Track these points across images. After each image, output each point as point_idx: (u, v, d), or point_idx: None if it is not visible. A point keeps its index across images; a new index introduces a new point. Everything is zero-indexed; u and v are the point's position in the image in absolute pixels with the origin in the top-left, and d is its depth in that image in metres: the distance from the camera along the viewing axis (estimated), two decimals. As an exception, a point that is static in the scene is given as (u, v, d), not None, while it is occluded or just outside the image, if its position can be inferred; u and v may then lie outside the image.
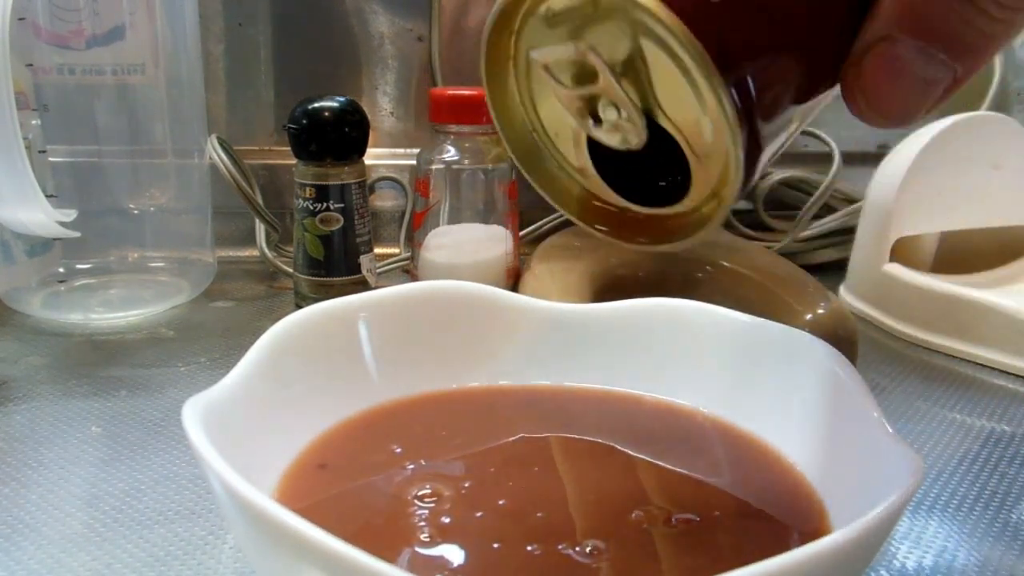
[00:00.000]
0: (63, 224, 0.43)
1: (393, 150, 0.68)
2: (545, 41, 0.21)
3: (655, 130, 0.21)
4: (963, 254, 0.56)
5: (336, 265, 0.50)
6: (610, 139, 0.22)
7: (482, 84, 0.23)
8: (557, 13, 0.20)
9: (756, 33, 0.19)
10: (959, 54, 0.18)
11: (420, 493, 0.25)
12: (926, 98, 0.19)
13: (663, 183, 0.22)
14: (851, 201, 0.64)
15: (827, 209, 0.65)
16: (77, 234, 0.44)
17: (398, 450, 0.28)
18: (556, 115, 0.23)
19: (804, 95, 0.20)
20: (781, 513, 0.25)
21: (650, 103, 0.20)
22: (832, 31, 0.20)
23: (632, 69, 0.20)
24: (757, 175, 0.20)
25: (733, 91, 0.18)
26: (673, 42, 0.18)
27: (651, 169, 0.22)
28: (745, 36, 0.19)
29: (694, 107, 0.20)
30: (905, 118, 0.20)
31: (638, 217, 0.24)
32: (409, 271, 0.56)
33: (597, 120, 0.22)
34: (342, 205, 0.49)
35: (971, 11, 0.18)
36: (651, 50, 0.19)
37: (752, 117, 0.19)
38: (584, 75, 0.21)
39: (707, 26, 0.18)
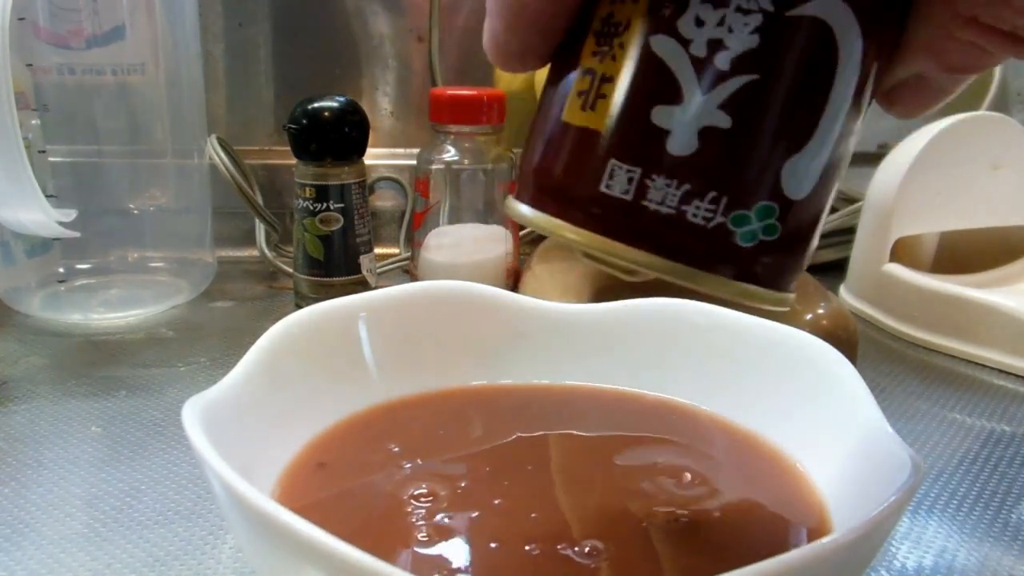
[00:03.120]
0: (63, 224, 0.43)
1: (393, 150, 0.68)
2: None
3: None
4: (963, 254, 0.56)
5: (336, 265, 0.50)
6: None
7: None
8: None
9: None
10: None
11: (416, 493, 0.25)
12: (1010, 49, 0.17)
13: None
14: (851, 201, 0.64)
15: (827, 209, 0.65)
16: (77, 234, 0.44)
17: (396, 449, 0.28)
18: None
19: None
20: (781, 513, 0.25)
21: None
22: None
23: None
24: None
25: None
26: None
27: None
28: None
29: None
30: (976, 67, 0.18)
31: None
32: (409, 271, 0.56)
33: None
34: (342, 205, 0.49)
35: None
36: None
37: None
38: None
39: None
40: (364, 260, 0.51)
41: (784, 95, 0.17)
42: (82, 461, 0.34)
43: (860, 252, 0.56)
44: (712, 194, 0.17)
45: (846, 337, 0.40)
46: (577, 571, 0.22)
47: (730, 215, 0.17)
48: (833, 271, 0.60)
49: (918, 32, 0.18)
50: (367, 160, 0.50)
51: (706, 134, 0.17)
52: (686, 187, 0.17)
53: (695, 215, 0.17)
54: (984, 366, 0.47)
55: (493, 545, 0.23)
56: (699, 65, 0.17)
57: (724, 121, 0.17)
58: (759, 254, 0.18)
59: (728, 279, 0.18)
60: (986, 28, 0.17)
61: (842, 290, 0.58)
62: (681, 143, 0.17)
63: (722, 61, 0.16)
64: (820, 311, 0.42)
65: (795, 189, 0.17)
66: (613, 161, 0.17)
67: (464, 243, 0.53)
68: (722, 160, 0.17)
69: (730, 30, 0.16)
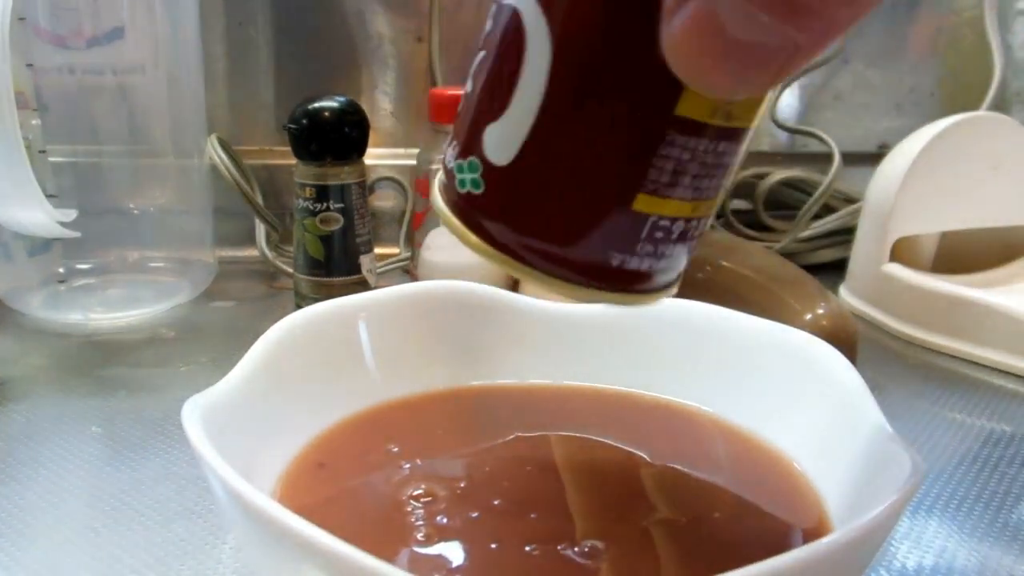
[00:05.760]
0: (63, 224, 0.43)
1: (393, 150, 0.68)
2: None
3: None
4: (963, 254, 0.56)
5: (336, 265, 0.50)
6: None
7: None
8: None
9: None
10: (788, 17, 0.14)
11: (416, 493, 0.25)
12: (756, 70, 0.15)
13: None
14: (851, 201, 0.64)
15: (827, 209, 0.65)
16: (77, 234, 0.44)
17: (395, 449, 0.28)
18: None
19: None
20: (781, 513, 0.25)
21: None
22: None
23: None
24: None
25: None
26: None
27: None
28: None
29: None
30: (736, 91, 0.16)
31: None
32: (409, 271, 0.56)
33: None
34: (342, 205, 0.49)
35: None
36: None
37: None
38: None
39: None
40: (364, 260, 0.51)
41: (489, 68, 0.19)
42: (82, 461, 0.34)
43: (860, 252, 0.56)
44: (453, 142, 0.21)
45: (846, 337, 0.40)
46: (577, 571, 0.22)
47: (454, 162, 0.20)
48: (833, 271, 0.60)
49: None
50: (367, 160, 0.50)
51: (463, 99, 0.20)
52: (452, 142, 0.21)
53: (447, 160, 0.21)
54: (984, 366, 0.47)
55: (493, 545, 0.23)
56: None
57: (468, 86, 0.20)
58: (471, 204, 0.20)
59: (455, 220, 0.21)
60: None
61: (842, 290, 0.58)
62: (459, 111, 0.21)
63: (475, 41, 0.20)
64: (820, 311, 0.42)
65: (495, 154, 0.19)
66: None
67: (464, 243, 0.53)
68: (459, 116, 0.20)
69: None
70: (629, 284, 0.20)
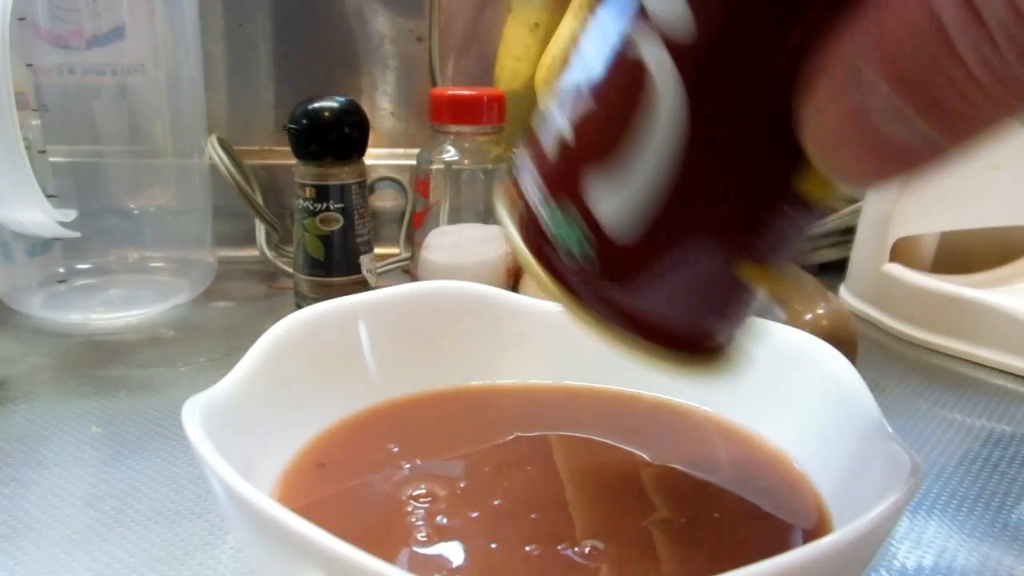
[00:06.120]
0: (63, 224, 0.44)
1: (393, 150, 0.68)
2: None
3: None
4: (963, 254, 0.56)
5: (336, 265, 0.50)
6: None
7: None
8: None
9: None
10: (940, 121, 0.14)
11: (416, 493, 0.25)
12: (894, 166, 0.15)
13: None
14: (851, 201, 0.64)
15: (827, 209, 0.65)
16: (77, 234, 0.44)
17: (395, 449, 0.28)
18: None
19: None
20: (781, 513, 0.25)
21: None
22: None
23: None
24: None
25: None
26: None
27: None
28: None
29: None
30: (865, 183, 0.16)
31: None
32: (409, 271, 0.56)
33: None
34: (342, 205, 0.49)
35: (958, 72, 0.13)
36: None
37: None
38: None
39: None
40: (364, 260, 0.51)
41: (603, 121, 0.18)
42: (82, 461, 0.34)
43: (860, 252, 0.56)
44: (539, 176, 0.19)
45: (846, 337, 0.40)
46: (577, 571, 0.22)
47: (554, 217, 0.19)
48: (833, 271, 0.60)
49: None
50: (367, 160, 0.50)
51: (552, 137, 0.19)
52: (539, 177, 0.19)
53: (538, 203, 0.19)
54: (984, 366, 0.47)
55: (493, 545, 0.23)
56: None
57: (565, 127, 0.18)
58: (576, 274, 0.19)
59: (551, 282, 0.20)
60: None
61: (842, 290, 0.58)
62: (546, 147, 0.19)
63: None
64: (820, 311, 0.42)
65: (615, 227, 0.18)
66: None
67: (464, 243, 0.53)
68: (544, 156, 0.19)
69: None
70: (702, 343, 0.20)
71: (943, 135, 0.14)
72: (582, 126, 0.18)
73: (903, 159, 0.15)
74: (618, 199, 0.18)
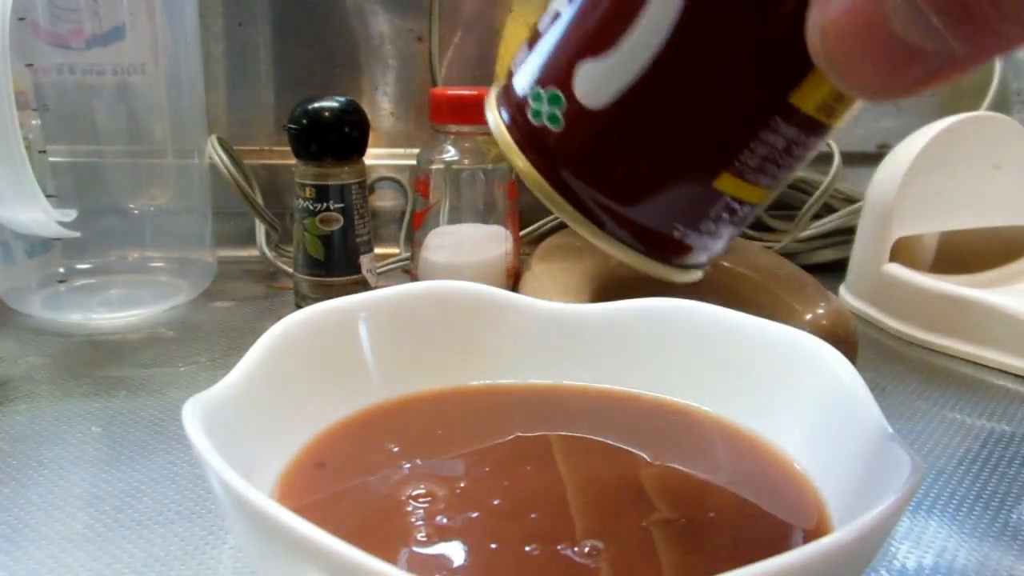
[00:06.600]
0: (63, 224, 0.44)
1: (393, 150, 0.68)
2: None
3: None
4: (963, 254, 0.56)
5: (336, 265, 0.50)
6: None
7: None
8: None
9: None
10: (961, 27, 0.13)
11: (415, 493, 0.25)
12: (907, 73, 0.14)
13: None
14: (851, 201, 0.64)
15: (827, 209, 0.65)
16: (77, 234, 0.44)
17: (395, 449, 0.28)
18: None
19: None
20: (781, 513, 0.25)
21: None
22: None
23: None
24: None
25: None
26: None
27: None
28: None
29: None
30: (877, 91, 0.15)
31: None
32: (409, 271, 0.56)
33: None
34: (342, 205, 0.49)
35: None
36: None
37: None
38: None
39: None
40: (364, 260, 0.51)
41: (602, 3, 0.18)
42: (82, 461, 0.34)
43: (860, 252, 0.56)
44: (529, 64, 0.19)
45: (846, 337, 0.40)
46: (577, 571, 0.22)
47: (531, 88, 0.19)
48: (833, 271, 0.60)
49: None
50: (367, 160, 0.50)
51: (549, 17, 0.19)
52: (527, 62, 0.19)
53: (519, 83, 0.19)
54: (984, 366, 0.47)
55: (493, 545, 0.23)
56: None
57: (559, 6, 0.19)
58: (542, 139, 0.19)
59: (516, 148, 0.20)
60: None
61: (842, 290, 0.58)
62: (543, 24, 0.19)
63: None
64: (820, 311, 0.42)
65: (587, 94, 0.18)
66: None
67: (464, 243, 0.53)
68: (540, 36, 0.19)
69: None
70: (674, 256, 0.20)
71: (966, 46, 0.13)
72: (580, 7, 0.18)
73: (916, 71, 0.14)
74: (598, 69, 0.18)
